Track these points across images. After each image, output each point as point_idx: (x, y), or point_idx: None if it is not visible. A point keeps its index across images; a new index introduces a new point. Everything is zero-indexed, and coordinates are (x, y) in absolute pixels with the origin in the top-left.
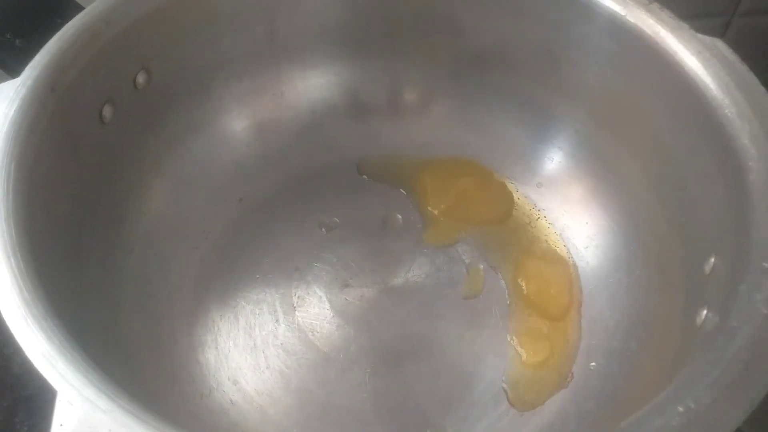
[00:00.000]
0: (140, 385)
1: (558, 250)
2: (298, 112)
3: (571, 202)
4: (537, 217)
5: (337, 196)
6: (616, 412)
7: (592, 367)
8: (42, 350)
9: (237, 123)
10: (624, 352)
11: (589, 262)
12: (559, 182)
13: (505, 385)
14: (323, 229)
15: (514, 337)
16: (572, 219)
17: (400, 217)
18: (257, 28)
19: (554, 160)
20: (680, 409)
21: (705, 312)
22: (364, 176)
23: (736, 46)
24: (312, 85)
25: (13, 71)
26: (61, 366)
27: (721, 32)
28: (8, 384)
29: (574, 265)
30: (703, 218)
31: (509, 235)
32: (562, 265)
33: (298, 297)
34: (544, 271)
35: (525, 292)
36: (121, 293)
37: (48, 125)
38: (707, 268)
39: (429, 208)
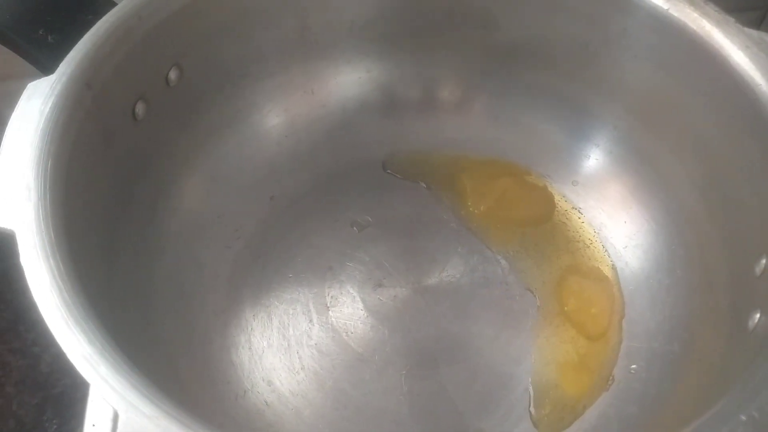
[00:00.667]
0: (176, 387)
1: (596, 251)
2: (329, 109)
3: (608, 201)
4: (574, 216)
5: (369, 194)
6: (661, 417)
7: (632, 370)
8: (83, 353)
9: (268, 120)
10: (666, 354)
11: (628, 262)
12: (597, 180)
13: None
14: (355, 228)
15: (550, 340)
16: (610, 218)
17: (431, 215)
18: (288, 24)
19: (591, 158)
20: (743, 417)
21: (758, 315)
22: (389, 171)
23: None
24: (343, 82)
25: (45, 68)
26: (103, 369)
27: (755, 26)
28: (37, 382)
29: (618, 284)
30: (750, 218)
31: (545, 236)
32: (605, 284)
33: (332, 297)
34: (587, 290)
35: (565, 308)
36: (154, 293)
37: (83, 122)
38: (758, 270)
39: (470, 208)
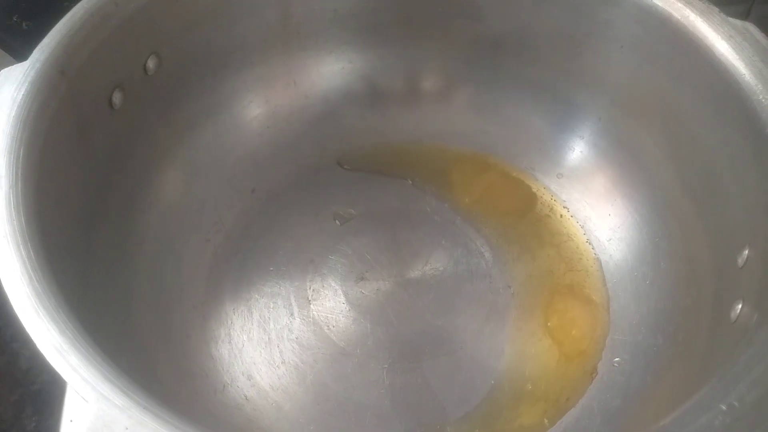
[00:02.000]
0: (153, 380)
1: (579, 244)
2: (312, 100)
3: (593, 194)
4: (558, 209)
5: (352, 186)
6: (644, 409)
7: (616, 363)
8: (54, 343)
9: (249, 111)
10: (650, 347)
11: (612, 255)
12: (581, 173)
13: (527, 382)
14: (338, 221)
15: (538, 330)
16: (594, 211)
17: (415, 207)
18: (270, 14)
19: (575, 150)
20: (723, 407)
21: (740, 306)
22: (346, 168)
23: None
24: (326, 73)
25: (20, 56)
26: (74, 360)
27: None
28: (16, 378)
29: (602, 277)
30: (734, 209)
31: (529, 228)
32: (592, 308)
33: (313, 290)
34: (572, 310)
35: (548, 323)
36: (132, 285)
37: (57, 110)
38: (740, 261)
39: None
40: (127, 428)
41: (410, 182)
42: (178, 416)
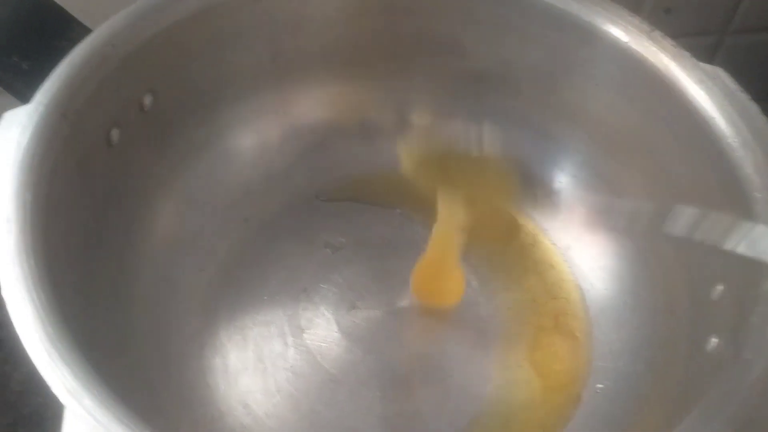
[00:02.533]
0: (156, 413)
1: (562, 273)
2: (302, 131)
3: (574, 224)
4: (540, 238)
5: (343, 216)
6: None
7: (599, 389)
8: (68, 387)
9: (241, 143)
10: (631, 374)
11: (593, 284)
12: (561, 203)
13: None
14: (329, 250)
15: (523, 360)
16: (575, 240)
17: (404, 237)
18: (260, 49)
19: (556, 181)
20: None
21: (714, 340)
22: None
23: (728, 64)
24: (315, 105)
25: (20, 95)
26: (88, 403)
27: (712, 50)
28: (9, 401)
29: (584, 305)
30: (707, 245)
31: (514, 256)
32: (575, 343)
33: (306, 319)
34: (556, 345)
35: (532, 356)
36: (132, 319)
37: (60, 152)
38: (714, 295)
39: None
40: None
41: (399, 211)
42: None
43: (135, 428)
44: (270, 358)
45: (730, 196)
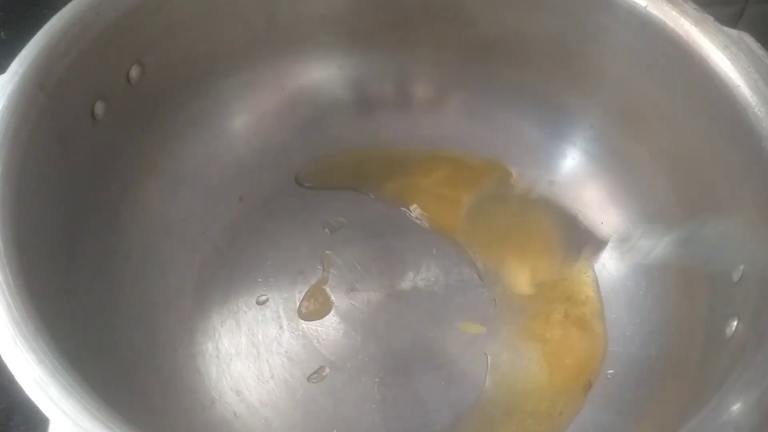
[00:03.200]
0: (139, 399)
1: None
2: (300, 106)
3: (585, 202)
4: (551, 218)
5: (341, 194)
6: (639, 423)
7: (610, 375)
8: (33, 375)
9: (236, 118)
10: (644, 359)
11: (605, 264)
12: (573, 181)
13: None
14: (327, 230)
15: (530, 347)
16: (586, 219)
17: (406, 216)
18: (256, 19)
19: (568, 157)
20: None
21: (735, 323)
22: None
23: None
24: (314, 78)
25: None
26: (54, 392)
27: (734, 20)
28: (4, 387)
29: (597, 286)
30: (729, 222)
31: (522, 237)
32: (592, 340)
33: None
34: (566, 334)
35: (544, 348)
36: (118, 301)
37: (36, 125)
38: (735, 276)
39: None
40: None
41: (401, 189)
42: None
43: (108, 421)
44: (264, 343)
45: (755, 169)
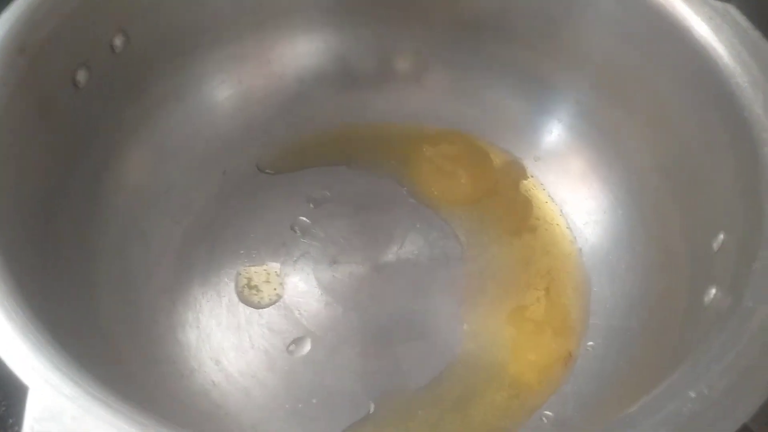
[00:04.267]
0: (117, 367)
1: (556, 228)
2: (285, 80)
3: (570, 177)
4: (534, 192)
5: (326, 168)
6: (618, 394)
7: (590, 347)
8: (3, 333)
9: (220, 91)
10: (624, 331)
11: (588, 238)
12: (558, 155)
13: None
14: (311, 204)
15: (509, 316)
16: (571, 194)
17: (390, 190)
18: None
19: (553, 133)
20: (692, 394)
21: (714, 291)
22: (267, 172)
23: (744, 10)
24: (299, 53)
25: None
26: (24, 348)
27: None
28: None
29: (587, 313)
30: (710, 193)
31: (505, 210)
32: (573, 312)
33: (285, 274)
34: (551, 310)
35: (524, 321)
36: (97, 271)
37: (16, 89)
38: (715, 245)
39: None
40: (74, 418)
41: (383, 165)
42: (132, 403)
43: (74, 377)
44: (245, 314)
45: (737, 139)
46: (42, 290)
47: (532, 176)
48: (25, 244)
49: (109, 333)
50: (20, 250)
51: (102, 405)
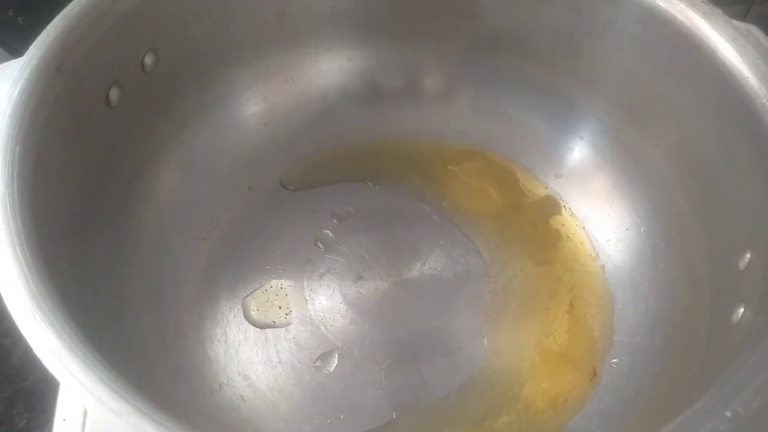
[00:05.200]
0: (148, 382)
1: (579, 245)
2: (309, 97)
3: (592, 194)
4: (558, 209)
5: (351, 184)
6: (642, 412)
7: (614, 364)
8: (51, 347)
9: (246, 108)
10: (648, 348)
11: (611, 256)
12: (580, 173)
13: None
14: (335, 219)
15: (534, 337)
16: (593, 211)
17: (414, 206)
18: (267, 10)
19: (575, 150)
20: (728, 414)
21: (742, 310)
22: (291, 188)
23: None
24: (323, 70)
25: (15, 51)
26: (72, 364)
27: (740, 20)
28: (8, 375)
29: (611, 331)
30: (735, 212)
31: (529, 228)
32: (597, 329)
33: (311, 289)
34: (575, 328)
35: (548, 338)
36: (128, 285)
37: (54, 108)
38: (742, 264)
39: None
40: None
41: (406, 180)
42: (175, 420)
43: (122, 393)
44: (272, 329)
45: (762, 158)
46: (81, 306)
47: (554, 194)
48: (63, 255)
49: (142, 349)
50: (59, 260)
51: (150, 421)
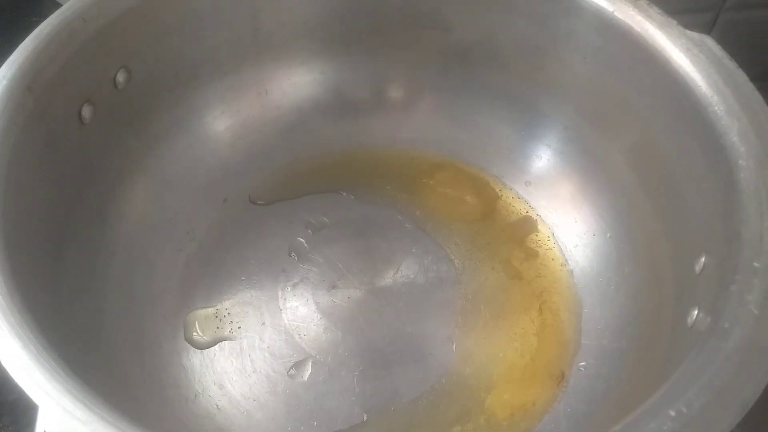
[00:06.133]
0: (124, 392)
1: (547, 251)
2: (283, 110)
3: (560, 201)
4: (526, 216)
5: (324, 195)
6: (609, 413)
7: (582, 367)
8: (19, 359)
9: (221, 122)
10: (615, 351)
11: (579, 261)
12: (548, 180)
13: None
14: (310, 230)
15: (503, 338)
16: (561, 217)
17: (387, 215)
18: (240, 25)
19: (543, 158)
20: (672, 413)
21: (696, 312)
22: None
23: (724, 41)
24: (297, 83)
25: None
26: (39, 375)
27: (708, 27)
28: None
29: (579, 334)
30: (692, 216)
31: (498, 235)
32: (565, 333)
33: (285, 299)
34: (544, 332)
35: (518, 342)
36: (103, 297)
37: (24, 126)
38: (697, 268)
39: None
40: None
41: (380, 190)
42: (143, 428)
43: (90, 404)
44: (247, 338)
45: (715, 164)
46: (51, 315)
47: (524, 201)
48: (36, 271)
49: (116, 359)
50: (31, 276)
51: (116, 430)
